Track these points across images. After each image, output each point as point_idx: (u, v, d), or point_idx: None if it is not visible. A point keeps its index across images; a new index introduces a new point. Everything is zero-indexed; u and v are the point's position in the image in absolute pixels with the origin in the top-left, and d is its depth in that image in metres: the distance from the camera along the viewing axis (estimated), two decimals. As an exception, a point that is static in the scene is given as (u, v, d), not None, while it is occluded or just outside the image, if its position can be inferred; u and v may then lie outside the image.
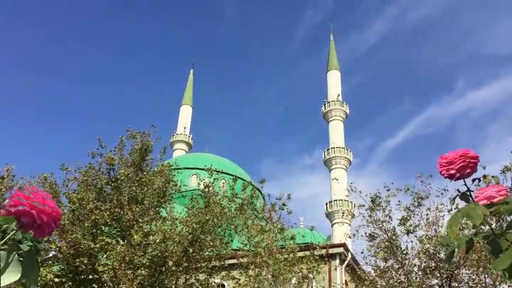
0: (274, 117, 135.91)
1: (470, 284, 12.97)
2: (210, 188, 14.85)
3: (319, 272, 15.21)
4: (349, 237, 15.91)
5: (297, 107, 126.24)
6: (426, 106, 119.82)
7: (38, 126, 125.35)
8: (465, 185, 1.42)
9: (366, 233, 14.38)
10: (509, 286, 10.46)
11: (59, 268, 13.74)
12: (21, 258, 1.05)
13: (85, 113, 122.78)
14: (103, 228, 13.84)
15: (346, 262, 19.96)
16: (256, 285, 14.02)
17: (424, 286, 13.07)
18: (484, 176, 1.43)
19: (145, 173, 14.61)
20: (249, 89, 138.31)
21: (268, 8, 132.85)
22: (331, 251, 19.42)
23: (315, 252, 15.16)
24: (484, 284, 12.86)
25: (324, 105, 55.26)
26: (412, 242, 13.80)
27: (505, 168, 13.01)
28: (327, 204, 49.98)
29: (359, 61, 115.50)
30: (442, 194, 13.66)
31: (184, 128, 61.57)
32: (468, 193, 1.42)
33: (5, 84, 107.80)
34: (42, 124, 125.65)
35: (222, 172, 21.87)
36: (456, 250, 1.41)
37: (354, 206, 25.59)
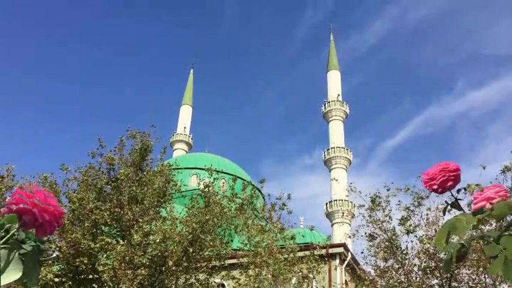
0: (274, 117, 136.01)
1: (471, 284, 12.97)
2: (210, 188, 14.84)
3: (319, 271, 15.21)
4: (349, 237, 15.92)
5: (297, 107, 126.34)
6: (426, 106, 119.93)
7: (38, 126, 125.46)
8: (452, 195, 1.47)
9: (365, 233, 14.39)
10: (509, 286, 10.45)
11: (59, 268, 13.73)
12: (23, 259, 1.05)
13: (85, 113, 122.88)
14: (103, 228, 13.84)
15: (346, 262, 19.95)
16: (256, 285, 14.01)
17: (424, 286, 13.07)
18: (468, 185, 1.46)
19: (145, 173, 14.61)
20: (249, 89, 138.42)
21: (268, 8, 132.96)
22: (331, 250, 19.42)
23: (315, 252, 15.16)
24: (484, 284, 12.86)
25: (324, 105, 55.27)
26: (412, 242, 13.82)
27: (505, 168, 13.01)
28: (326, 204, 49.99)
29: (359, 61, 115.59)
30: (442, 194, 13.65)
31: (184, 128, 61.57)
32: (457, 203, 1.47)
33: (5, 84, 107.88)
34: (42, 124, 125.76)
35: (222, 172, 21.86)
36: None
37: (354, 206, 25.60)
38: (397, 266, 13.73)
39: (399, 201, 14.21)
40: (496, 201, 1.36)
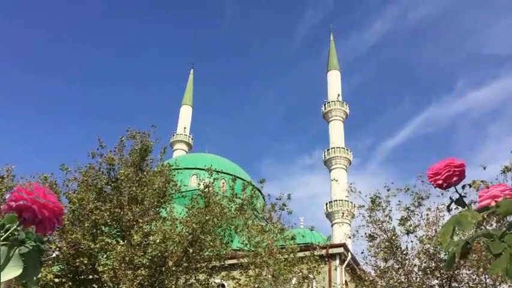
0: (274, 117, 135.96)
1: (471, 284, 12.97)
2: (210, 188, 14.84)
3: (319, 272, 15.21)
4: (349, 237, 15.91)
5: (297, 107, 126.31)
6: (426, 106, 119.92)
7: (38, 126, 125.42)
8: (456, 191, 1.46)
9: (365, 233, 14.39)
10: (509, 286, 10.45)
11: (59, 268, 13.73)
12: (23, 259, 1.04)
13: (85, 113, 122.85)
14: (103, 229, 13.84)
15: (346, 262, 19.95)
16: (256, 285, 14.01)
17: (424, 286, 13.07)
18: (473, 182, 1.46)
19: (145, 173, 14.61)
20: (249, 89, 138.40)
21: (268, 8, 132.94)
22: (331, 251, 19.42)
23: (315, 253, 15.16)
24: (484, 285, 12.86)
25: (324, 105, 55.29)
26: (412, 242, 13.81)
27: (506, 168, 13.01)
28: (327, 204, 49.98)
29: (359, 61, 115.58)
30: (442, 194, 13.63)
31: (185, 128, 61.58)
32: (461, 199, 1.46)
33: (5, 84, 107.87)
34: (42, 124, 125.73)
35: (222, 172, 21.87)
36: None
37: (354, 206, 25.59)
38: (397, 267, 13.73)
39: (399, 201, 14.22)
40: (501, 199, 1.36)
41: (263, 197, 22.05)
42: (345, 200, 43.90)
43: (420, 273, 13.32)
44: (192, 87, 67.53)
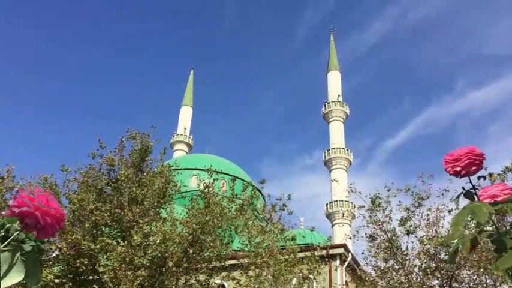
0: (274, 117, 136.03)
1: (471, 285, 12.97)
2: (210, 189, 14.83)
3: (320, 272, 15.20)
4: (350, 237, 15.91)
5: (297, 107, 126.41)
6: (426, 106, 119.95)
7: (38, 126, 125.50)
8: (470, 182, 1.43)
9: (366, 234, 14.39)
10: (509, 287, 10.45)
11: (59, 269, 13.72)
12: (23, 258, 1.04)
13: (85, 113, 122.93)
14: (103, 229, 13.83)
15: (346, 263, 19.95)
16: (256, 285, 14.01)
17: (424, 287, 13.06)
18: (490, 174, 1.44)
19: (145, 174, 14.61)
20: (249, 89, 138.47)
21: (268, 8, 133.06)
22: (331, 251, 19.41)
23: (316, 253, 15.15)
24: (484, 285, 12.86)
25: (324, 105, 55.33)
26: (412, 242, 13.81)
27: (506, 168, 13.02)
28: (327, 204, 49.98)
29: (359, 61, 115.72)
30: (443, 194, 13.64)
31: (185, 128, 61.59)
32: (473, 191, 1.43)
33: (5, 84, 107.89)
34: (42, 124, 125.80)
35: (222, 172, 21.88)
36: (460, 249, 1.41)
37: (354, 207, 25.59)
38: (397, 267, 13.72)
39: (399, 201, 14.23)
40: (500, 198, 1.35)
41: (263, 198, 22.05)
42: (345, 201, 43.92)
43: (420, 273, 13.31)
44: (192, 88, 67.57)
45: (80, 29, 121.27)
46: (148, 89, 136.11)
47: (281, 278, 13.91)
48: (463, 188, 1.44)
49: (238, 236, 15.55)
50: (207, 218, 13.51)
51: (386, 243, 13.89)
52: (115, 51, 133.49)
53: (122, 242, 13.22)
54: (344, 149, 51.91)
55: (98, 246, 12.73)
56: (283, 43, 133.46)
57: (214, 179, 15.42)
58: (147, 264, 12.78)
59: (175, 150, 57.95)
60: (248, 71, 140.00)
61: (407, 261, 13.63)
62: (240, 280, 14.48)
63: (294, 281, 14.73)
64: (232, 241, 15.75)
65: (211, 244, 13.74)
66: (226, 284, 17.00)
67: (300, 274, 14.77)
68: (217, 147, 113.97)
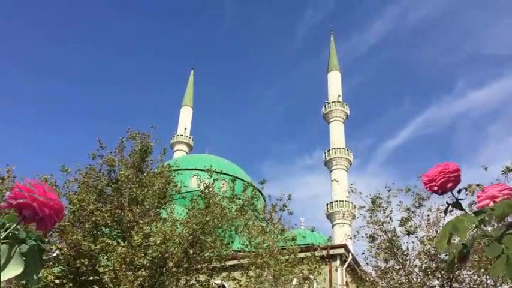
0: (274, 117, 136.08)
1: (472, 285, 12.94)
2: (210, 189, 14.83)
3: (320, 273, 15.19)
4: (350, 238, 15.89)
5: (297, 107, 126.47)
6: (426, 106, 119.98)
7: (38, 126, 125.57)
8: (453, 196, 1.46)
9: (366, 234, 14.36)
10: (510, 287, 10.43)
11: (59, 269, 13.71)
12: (24, 258, 1.03)
13: (85, 113, 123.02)
14: (103, 230, 13.83)
15: (346, 263, 19.93)
16: (257, 286, 14.00)
17: (425, 287, 13.05)
18: (469, 186, 1.46)
19: (145, 174, 14.61)
20: (249, 89, 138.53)
21: (268, 8, 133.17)
22: (331, 252, 19.39)
23: (316, 253, 15.15)
24: (485, 285, 12.83)
25: (325, 106, 55.33)
26: (413, 242, 13.78)
27: (507, 169, 13.00)
28: (327, 205, 49.95)
29: (359, 61, 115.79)
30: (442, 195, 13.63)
31: (185, 129, 61.59)
32: (458, 203, 1.46)
33: (5, 84, 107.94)
34: (42, 124, 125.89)
35: (222, 173, 21.88)
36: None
37: (355, 207, 25.57)
38: (398, 267, 13.70)
39: (400, 202, 14.20)
40: (500, 199, 1.35)
41: (264, 198, 22.03)
42: (346, 201, 43.90)
43: (421, 273, 13.29)
44: (192, 89, 67.58)
45: (80, 29, 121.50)
46: (148, 89, 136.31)
47: (281, 279, 13.90)
48: (447, 203, 1.49)
49: (239, 236, 15.54)
50: (207, 219, 13.51)
51: (387, 244, 13.87)
52: (115, 51, 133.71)
53: (122, 242, 13.21)
54: (344, 149, 51.89)
55: (98, 247, 12.72)
56: (283, 43, 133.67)
57: (214, 180, 15.41)
58: (148, 264, 12.77)
59: (176, 150, 57.94)
60: (248, 71, 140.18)
61: (407, 262, 13.61)
62: (241, 280, 14.47)
63: (295, 282, 14.72)
64: (232, 241, 15.75)
65: (212, 244, 13.73)
66: (226, 285, 16.98)
67: (301, 274, 14.76)
68: (218, 148, 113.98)
